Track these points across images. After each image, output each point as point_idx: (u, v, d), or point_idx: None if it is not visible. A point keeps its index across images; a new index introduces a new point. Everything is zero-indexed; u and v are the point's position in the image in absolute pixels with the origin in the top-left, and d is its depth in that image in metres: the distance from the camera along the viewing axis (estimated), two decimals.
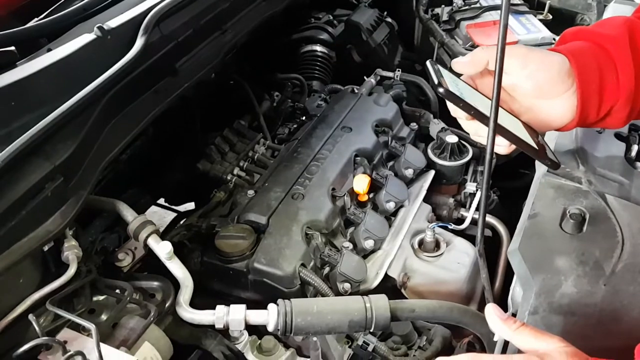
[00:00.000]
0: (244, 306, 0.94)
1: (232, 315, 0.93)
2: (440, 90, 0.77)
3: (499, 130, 0.77)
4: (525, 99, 0.85)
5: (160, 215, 2.10)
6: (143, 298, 1.04)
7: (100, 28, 1.07)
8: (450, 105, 0.82)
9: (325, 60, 1.83)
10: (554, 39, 1.69)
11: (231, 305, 0.94)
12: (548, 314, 0.88)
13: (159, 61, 1.16)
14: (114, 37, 1.09)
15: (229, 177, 1.39)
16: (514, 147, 0.84)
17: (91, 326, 0.79)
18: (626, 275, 0.93)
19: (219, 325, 0.93)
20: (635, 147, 1.19)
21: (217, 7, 1.29)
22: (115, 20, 1.11)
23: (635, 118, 0.88)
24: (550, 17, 1.80)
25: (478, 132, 0.86)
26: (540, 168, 1.14)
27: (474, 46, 1.64)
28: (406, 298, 1.28)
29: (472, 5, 1.78)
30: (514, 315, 0.95)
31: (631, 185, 1.11)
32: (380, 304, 0.96)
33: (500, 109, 0.77)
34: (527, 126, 0.85)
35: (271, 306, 0.95)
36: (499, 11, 1.74)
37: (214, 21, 1.29)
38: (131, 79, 1.10)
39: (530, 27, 1.69)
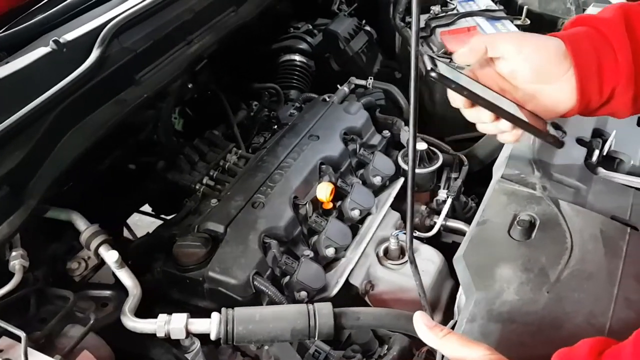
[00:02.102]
0: (185, 315, 0.94)
1: (173, 324, 0.93)
2: (433, 74, 0.76)
3: (498, 111, 0.79)
4: (525, 86, 0.83)
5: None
6: (95, 307, 1.05)
7: (56, 41, 1.10)
8: (450, 95, 0.83)
9: (303, 69, 1.84)
10: None
11: (173, 314, 0.94)
12: (486, 322, 0.87)
13: (118, 72, 1.18)
14: (69, 50, 1.11)
15: (197, 187, 1.40)
16: (519, 132, 0.85)
17: (21, 334, 0.80)
18: (572, 282, 0.92)
19: (160, 334, 0.93)
20: (596, 152, 1.17)
21: (179, 19, 1.31)
22: (72, 34, 1.14)
23: None
24: (529, 21, 1.79)
25: (481, 118, 0.85)
26: (496, 174, 1.13)
27: (446, 53, 1.64)
28: (370, 306, 1.28)
29: (449, 12, 1.77)
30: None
31: (588, 190, 1.09)
32: (324, 311, 0.95)
33: (502, 98, 0.80)
34: (532, 114, 0.84)
35: (214, 315, 0.95)
36: (474, 17, 1.75)
37: (177, 33, 1.31)
38: (88, 89, 1.12)
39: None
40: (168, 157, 1.48)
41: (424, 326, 0.78)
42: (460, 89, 0.77)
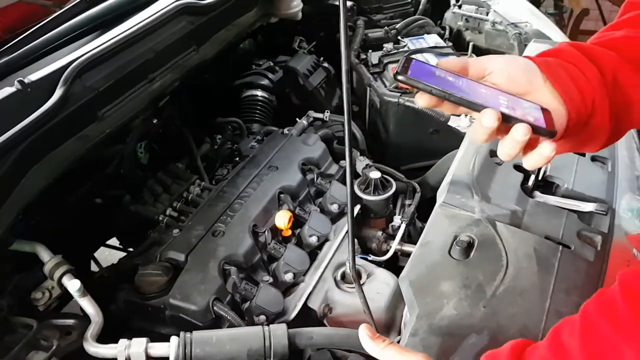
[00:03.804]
0: (145, 339, 0.99)
1: (133, 348, 0.98)
2: (399, 77, 0.75)
3: (470, 105, 0.73)
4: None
5: None
6: (59, 336, 1.08)
7: (21, 82, 1.15)
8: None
9: (265, 104, 1.92)
10: None
11: (133, 339, 0.99)
12: (428, 335, 0.93)
13: (80, 110, 1.23)
14: (34, 90, 1.17)
15: (160, 218, 1.45)
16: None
17: None
18: (506, 297, 0.99)
19: (121, 358, 0.97)
20: (532, 177, 1.26)
21: (141, 59, 1.37)
22: (36, 74, 1.19)
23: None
24: (475, 57, 1.90)
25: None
26: (439, 199, 1.21)
27: (398, 87, 1.74)
28: None
29: (400, 50, 1.88)
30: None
31: (524, 212, 1.18)
32: (279, 332, 1.01)
33: (493, 92, 0.75)
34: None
35: (173, 338, 0.99)
36: (423, 54, 1.85)
37: (139, 71, 1.37)
38: (51, 126, 1.17)
39: None
40: (133, 190, 1.53)
41: (367, 337, 0.84)
42: (428, 88, 0.74)
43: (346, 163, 0.82)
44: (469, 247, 1.06)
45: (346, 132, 0.80)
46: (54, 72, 1.21)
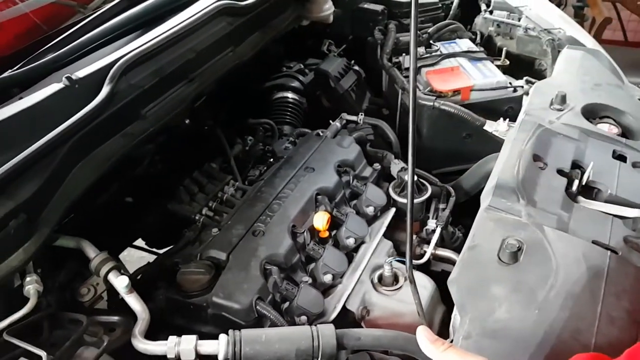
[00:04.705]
0: (195, 336, 0.98)
1: (183, 345, 0.97)
2: None
3: None
4: None
5: (147, 259, 2.15)
6: (103, 332, 1.08)
7: (69, 78, 1.16)
8: None
9: (296, 106, 1.92)
10: (510, 83, 1.78)
11: (183, 336, 0.99)
12: (480, 338, 0.92)
13: (126, 107, 1.24)
14: (81, 86, 1.17)
15: (197, 217, 1.45)
16: None
17: (42, 353, 0.83)
18: (558, 301, 0.98)
19: (171, 355, 0.97)
20: (576, 182, 1.25)
21: (183, 58, 1.38)
22: (83, 71, 1.20)
23: None
24: (508, 62, 1.90)
25: None
26: (484, 202, 1.20)
27: (432, 91, 1.74)
28: None
29: (433, 53, 1.88)
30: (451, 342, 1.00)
31: (570, 217, 1.17)
32: (327, 332, 1.00)
33: None
34: None
35: (222, 336, 0.99)
36: (457, 58, 1.85)
37: (180, 71, 1.38)
38: (98, 123, 1.17)
39: (486, 72, 1.79)
40: (167, 190, 1.53)
41: (426, 340, 0.83)
42: None
43: (408, 178, 0.81)
44: (517, 251, 1.05)
45: (410, 162, 0.79)
46: (100, 69, 1.22)
